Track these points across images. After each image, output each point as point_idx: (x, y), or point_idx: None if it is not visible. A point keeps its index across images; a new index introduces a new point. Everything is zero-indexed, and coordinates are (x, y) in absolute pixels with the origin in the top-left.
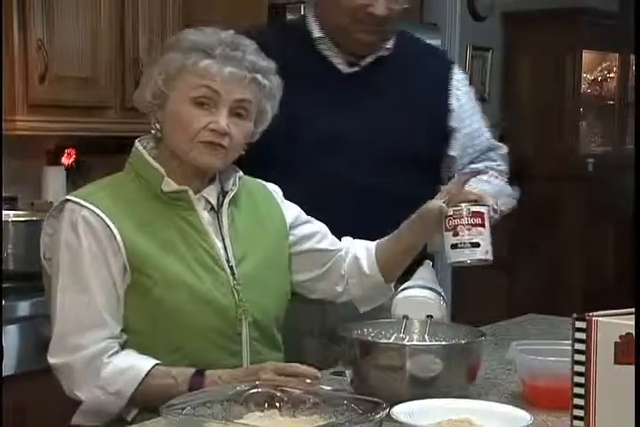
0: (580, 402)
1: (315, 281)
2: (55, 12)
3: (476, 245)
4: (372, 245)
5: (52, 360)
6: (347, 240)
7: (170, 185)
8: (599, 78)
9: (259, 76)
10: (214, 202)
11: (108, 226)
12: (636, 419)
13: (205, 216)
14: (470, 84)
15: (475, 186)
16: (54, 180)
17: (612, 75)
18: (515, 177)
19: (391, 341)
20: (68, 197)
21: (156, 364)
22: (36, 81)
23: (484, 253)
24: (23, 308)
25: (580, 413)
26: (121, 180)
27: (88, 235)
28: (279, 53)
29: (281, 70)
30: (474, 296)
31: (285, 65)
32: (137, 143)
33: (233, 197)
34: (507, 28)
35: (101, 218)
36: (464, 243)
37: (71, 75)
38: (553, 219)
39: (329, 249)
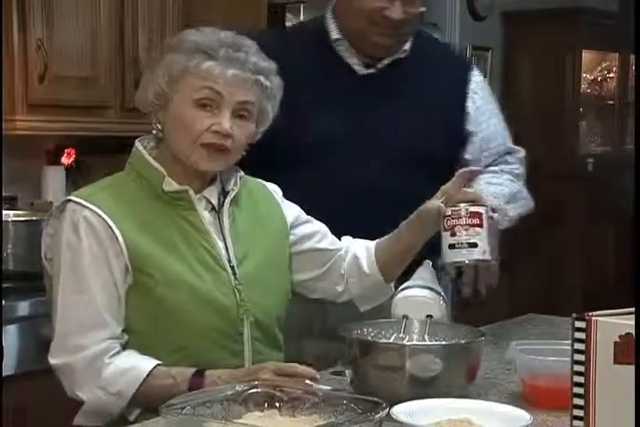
0: (580, 402)
1: (315, 281)
2: (55, 12)
3: (474, 245)
4: (371, 244)
5: (53, 361)
6: (346, 239)
7: (171, 185)
8: (599, 78)
9: (261, 78)
10: (215, 202)
11: (110, 226)
12: (636, 419)
13: (206, 216)
14: None
15: (487, 189)
16: (54, 179)
17: (611, 75)
18: None
19: (391, 341)
20: (70, 197)
21: (158, 364)
22: (35, 81)
23: (482, 253)
24: (23, 308)
25: (580, 413)
26: (122, 180)
27: (89, 235)
28: (296, 54)
29: (297, 70)
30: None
31: (302, 65)
32: (137, 143)
33: (234, 196)
34: (506, 27)
35: (103, 218)
36: (462, 243)
37: (71, 74)
38: (553, 219)
39: (329, 249)
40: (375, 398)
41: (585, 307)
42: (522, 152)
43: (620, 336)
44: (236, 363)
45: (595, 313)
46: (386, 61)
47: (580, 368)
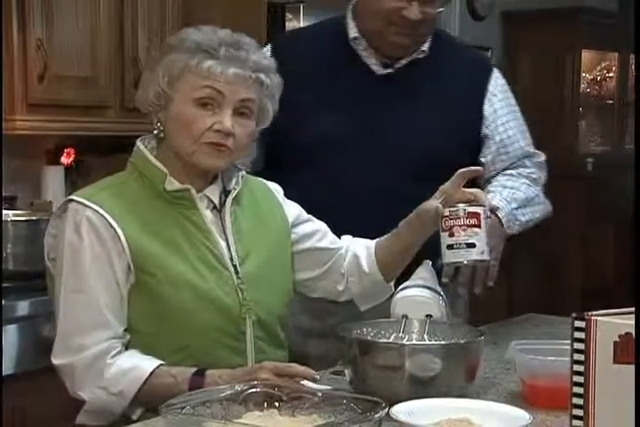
0: (580, 402)
1: (316, 280)
2: (54, 12)
3: (472, 245)
4: (371, 243)
5: (55, 361)
6: (346, 239)
7: (173, 184)
8: (598, 78)
9: (262, 76)
10: (217, 201)
11: (112, 226)
12: (636, 419)
13: (208, 215)
14: None
15: (500, 192)
16: (53, 179)
17: (611, 74)
18: None
19: (390, 340)
20: (72, 197)
21: (159, 364)
22: (35, 81)
23: (480, 253)
24: (22, 307)
25: (580, 412)
26: (123, 179)
27: (91, 235)
28: (315, 52)
29: (316, 69)
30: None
31: (321, 64)
32: (139, 143)
33: (235, 195)
34: (506, 27)
35: (105, 218)
36: (460, 243)
37: (70, 74)
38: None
39: (330, 248)
40: (375, 398)
41: (584, 307)
42: (542, 157)
43: (619, 336)
44: (239, 362)
45: (594, 313)
46: (404, 61)
47: (580, 368)
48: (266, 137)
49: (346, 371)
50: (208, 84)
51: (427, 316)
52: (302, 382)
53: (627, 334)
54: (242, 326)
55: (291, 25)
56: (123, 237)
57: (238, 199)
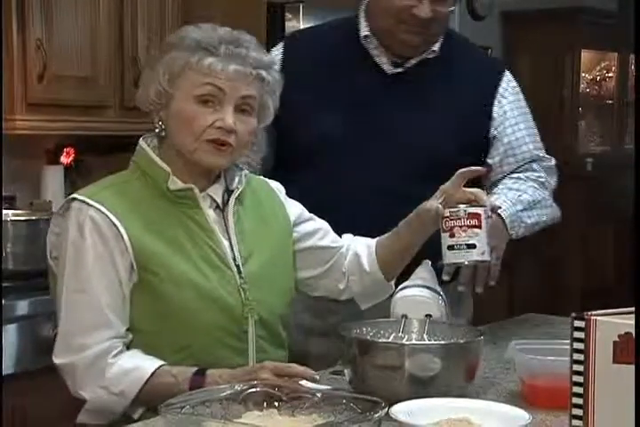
0: (579, 401)
1: (317, 279)
2: (54, 12)
3: (472, 246)
4: (372, 242)
5: (56, 360)
6: (347, 237)
7: (176, 183)
8: (598, 78)
9: (263, 72)
10: (219, 200)
11: (115, 225)
12: (636, 419)
13: (211, 214)
14: None
15: (505, 194)
16: (53, 179)
17: (610, 74)
18: None
19: (390, 340)
20: (75, 195)
21: (161, 365)
22: (34, 80)
23: (481, 253)
24: (22, 307)
25: (579, 412)
26: (126, 178)
27: (94, 235)
28: (326, 50)
29: (327, 67)
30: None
31: (331, 62)
32: (141, 142)
33: (238, 195)
34: (505, 27)
35: (108, 217)
36: (460, 244)
37: (70, 74)
38: None
39: (331, 246)
40: (374, 398)
41: (584, 306)
42: (551, 161)
43: (619, 336)
44: (241, 362)
45: (594, 313)
46: (414, 61)
47: (580, 368)
48: (273, 135)
49: (345, 371)
50: (209, 82)
51: (426, 316)
52: (302, 382)
53: (626, 333)
54: (244, 325)
55: (290, 25)
56: (126, 236)
57: (241, 199)
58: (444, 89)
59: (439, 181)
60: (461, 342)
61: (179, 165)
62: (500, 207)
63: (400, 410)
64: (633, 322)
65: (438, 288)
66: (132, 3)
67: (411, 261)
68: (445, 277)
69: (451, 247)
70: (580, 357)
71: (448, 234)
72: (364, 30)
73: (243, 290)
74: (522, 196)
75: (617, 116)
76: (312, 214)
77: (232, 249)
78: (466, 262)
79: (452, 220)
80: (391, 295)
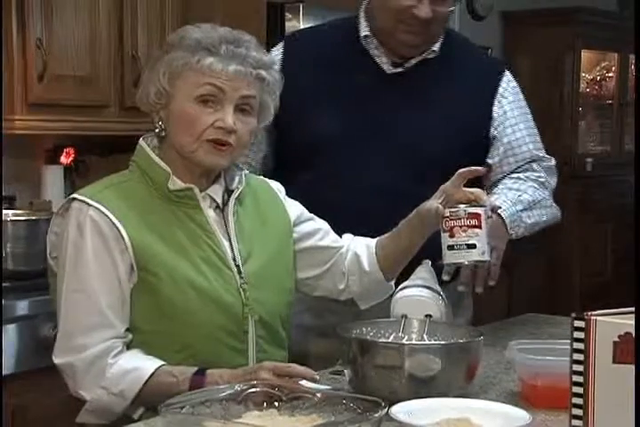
0: (579, 401)
1: (317, 279)
2: (54, 11)
3: (472, 246)
4: (372, 242)
5: (56, 360)
6: (347, 237)
7: (176, 183)
8: (598, 78)
9: (263, 72)
10: (219, 200)
11: (115, 225)
12: (636, 418)
13: (211, 215)
14: None
15: (505, 194)
16: (53, 179)
17: (610, 74)
18: None
19: (390, 340)
20: (75, 195)
21: (161, 365)
22: (34, 80)
23: (481, 253)
24: (22, 307)
25: (579, 412)
26: (126, 178)
27: (94, 235)
28: (327, 49)
29: (326, 66)
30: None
31: (331, 62)
32: (142, 142)
33: (238, 195)
34: (505, 27)
35: (108, 217)
36: (460, 244)
37: (70, 74)
38: None
39: (331, 246)
40: (374, 398)
41: (584, 307)
42: (551, 161)
43: (619, 336)
44: (241, 362)
45: (594, 313)
46: (414, 61)
47: (580, 368)
48: (274, 134)
49: (345, 371)
50: (209, 82)
51: (426, 316)
52: (302, 382)
53: (626, 333)
54: (244, 325)
55: (290, 25)
56: (126, 236)
57: (241, 199)
58: (443, 89)
59: (439, 181)
60: (461, 342)
61: (179, 165)
62: (500, 207)
63: (400, 410)
64: (633, 322)
65: (438, 288)
66: (132, 2)
67: (411, 260)
68: (445, 277)
69: (451, 247)
70: (580, 357)
71: (448, 234)
72: (364, 30)
73: (243, 290)
74: (522, 196)
75: (617, 116)
76: (312, 215)
77: (232, 249)
78: (466, 262)
79: (451, 220)
80: (391, 295)
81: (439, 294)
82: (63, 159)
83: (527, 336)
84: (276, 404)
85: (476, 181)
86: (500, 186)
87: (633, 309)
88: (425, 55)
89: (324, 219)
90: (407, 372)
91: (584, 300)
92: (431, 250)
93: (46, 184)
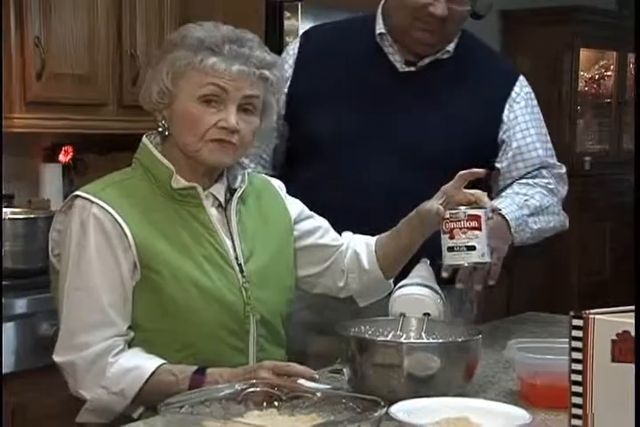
0: (579, 400)
1: (317, 277)
2: (52, 9)
3: (472, 248)
4: (371, 240)
5: (57, 359)
6: (347, 235)
7: (179, 182)
8: (596, 76)
9: (266, 72)
10: (222, 199)
11: (118, 223)
12: (636, 418)
13: (214, 213)
14: None
15: (512, 198)
16: (51, 177)
17: (609, 73)
18: None
19: (388, 338)
20: (78, 193)
21: (162, 364)
22: (33, 78)
23: (480, 255)
24: (20, 305)
25: (579, 411)
26: (129, 176)
27: (97, 233)
28: (341, 46)
29: (340, 63)
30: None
31: (345, 58)
32: (145, 139)
33: (240, 194)
34: (504, 26)
35: (111, 215)
36: (460, 246)
37: (68, 72)
38: None
39: (331, 244)
40: (374, 397)
41: (583, 305)
42: (561, 168)
43: (617, 334)
44: (241, 361)
45: (592, 311)
46: (427, 60)
47: (578, 367)
48: (284, 127)
49: (344, 369)
50: (212, 82)
51: (424, 314)
52: (301, 382)
53: (624, 332)
54: (246, 324)
55: (289, 23)
56: (129, 234)
57: (243, 197)
58: (454, 90)
59: (441, 182)
60: (460, 340)
61: (182, 163)
62: (500, 209)
63: (399, 409)
64: (631, 320)
65: (437, 287)
66: (131, 1)
67: (410, 259)
68: (444, 274)
69: (450, 249)
70: (579, 355)
71: (448, 236)
72: (380, 28)
73: (244, 289)
74: (529, 200)
75: (615, 115)
76: (312, 212)
77: (234, 248)
78: (465, 264)
79: (451, 221)
80: (390, 293)
81: (438, 292)
82: (61, 157)
83: (526, 335)
84: (276, 403)
85: (477, 184)
86: (508, 190)
87: (631, 307)
88: (439, 55)
89: (329, 215)
90: (406, 370)
91: (583, 299)
92: (430, 249)
93: (45, 182)
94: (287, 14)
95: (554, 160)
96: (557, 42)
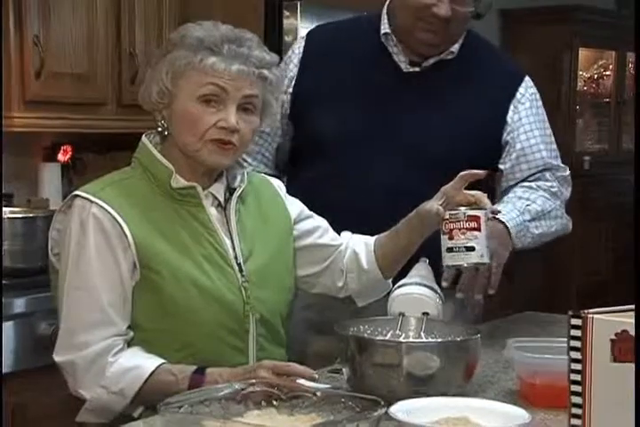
0: (578, 400)
1: (316, 276)
2: (51, 9)
3: (471, 248)
4: (370, 240)
5: (57, 358)
6: (346, 235)
7: (179, 181)
8: (595, 76)
9: (265, 71)
10: (221, 199)
11: (118, 222)
12: (636, 417)
13: (213, 213)
14: None
15: (514, 203)
16: (50, 176)
17: (608, 72)
18: None
19: (387, 338)
20: (78, 192)
21: (162, 363)
22: (32, 77)
23: (479, 256)
24: (19, 304)
25: (578, 411)
26: (128, 175)
27: (97, 232)
28: (345, 46)
29: (344, 62)
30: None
31: (349, 58)
32: (144, 139)
33: (240, 193)
34: (503, 25)
35: (111, 214)
36: (459, 247)
37: (67, 71)
38: None
39: (330, 244)
40: (373, 397)
41: (582, 305)
42: (566, 171)
43: (616, 334)
44: (241, 360)
45: (591, 311)
46: (432, 61)
47: (577, 366)
48: (288, 126)
49: (344, 369)
50: (211, 81)
51: (423, 313)
52: (301, 381)
53: (623, 331)
54: (245, 324)
55: (288, 22)
56: (128, 234)
57: (243, 197)
58: (457, 90)
59: (444, 182)
60: (459, 339)
61: (181, 163)
62: (499, 211)
63: (399, 409)
64: (630, 320)
65: (436, 286)
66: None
67: (409, 259)
68: (444, 284)
69: (450, 249)
70: (578, 355)
71: (447, 236)
72: (385, 28)
73: (244, 289)
74: (530, 205)
75: (614, 115)
76: (311, 212)
77: (234, 248)
78: (465, 265)
79: (451, 222)
80: (389, 293)
81: (437, 291)
82: (60, 157)
83: (526, 335)
84: (275, 403)
85: (477, 185)
86: (510, 194)
87: (630, 306)
88: (443, 56)
89: (326, 217)
90: (405, 370)
91: (582, 298)
92: (430, 249)
93: (44, 182)
94: (286, 13)
95: (558, 162)
96: (556, 41)
